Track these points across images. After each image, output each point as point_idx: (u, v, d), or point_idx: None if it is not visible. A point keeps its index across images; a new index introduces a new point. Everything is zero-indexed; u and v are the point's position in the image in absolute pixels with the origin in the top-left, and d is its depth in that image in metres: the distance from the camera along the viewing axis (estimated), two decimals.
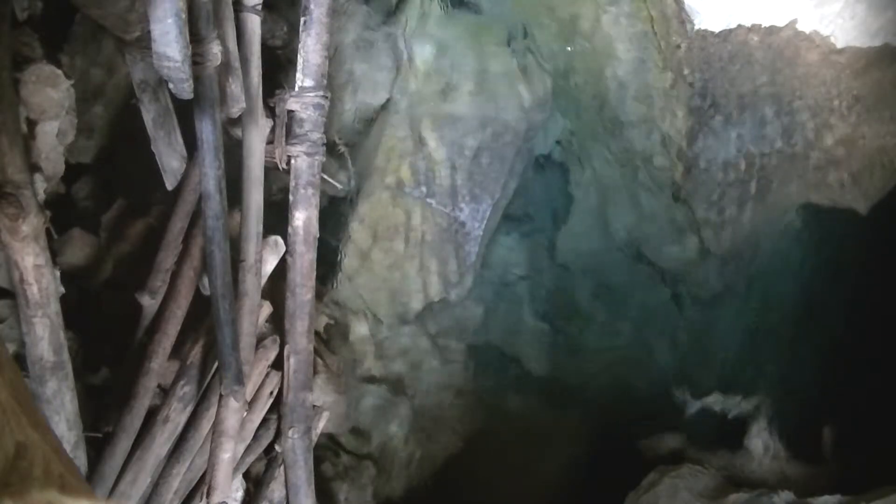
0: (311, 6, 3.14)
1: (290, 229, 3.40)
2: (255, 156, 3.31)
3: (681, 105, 4.62)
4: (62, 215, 3.34)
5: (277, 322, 3.67)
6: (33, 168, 2.82)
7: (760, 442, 4.30)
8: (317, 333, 4.02)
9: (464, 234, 4.83)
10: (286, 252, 3.47)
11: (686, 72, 4.45)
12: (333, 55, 4.28)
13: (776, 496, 3.60)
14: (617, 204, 5.39)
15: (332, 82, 4.34)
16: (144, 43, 2.81)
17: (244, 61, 3.09)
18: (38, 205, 2.58)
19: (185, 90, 2.48)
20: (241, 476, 3.59)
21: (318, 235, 3.45)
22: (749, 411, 4.90)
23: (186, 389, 3.30)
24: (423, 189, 4.70)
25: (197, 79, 2.62)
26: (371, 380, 4.66)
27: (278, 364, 3.61)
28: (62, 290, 2.78)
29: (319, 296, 4.13)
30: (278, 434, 3.66)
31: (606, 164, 5.27)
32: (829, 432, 4.42)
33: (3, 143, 2.46)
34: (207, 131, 2.81)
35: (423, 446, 4.81)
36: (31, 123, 2.89)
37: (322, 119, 3.34)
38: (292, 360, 3.54)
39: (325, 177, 3.55)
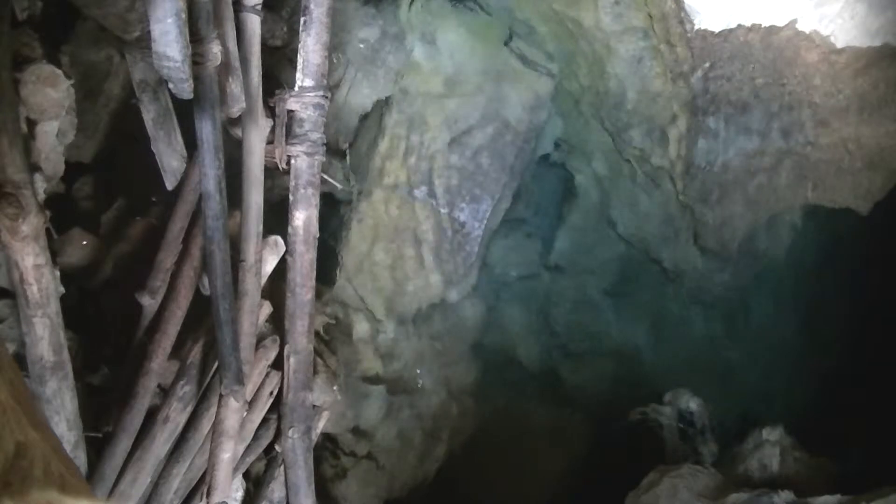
0: (311, 6, 3.14)
1: (290, 229, 3.40)
2: (255, 156, 3.31)
3: (681, 105, 4.62)
4: (62, 215, 3.34)
5: (277, 322, 3.67)
6: (33, 168, 2.82)
7: (761, 441, 4.29)
8: (317, 333, 4.02)
9: (464, 234, 4.83)
10: (286, 252, 3.47)
11: (686, 71, 4.45)
12: (333, 54, 4.28)
13: (776, 496, 3.59)
14: (617, 204, 5.39)
15: (332, 82, 4.34)
16: (144, 43, 2.81)
17: (244, 61, 3.09)
18: (38, 205, 2.58)
19: (185, 90, 2.48)
20: (241, 476, 3.59)
21: (318, 235, 3.45)
22: (750, 410, 4.90)
23: (186, 389, 3.30)
24: (423, 189, 4.70)
25: (197, 79, 2.62)
26: (371, 380, 4.66)
27: (278, 364, 3.61)
28: (62, 290, 2.78)
29: (319, 296, 4.13)
30: (278, 434, 3.66)
31: (606, 164, 5.28)
32: (830, 431, 4.42)
33: (3, 143, 2.46)
34: (207, 131, 2.81)
35: (422, 446, 4.81)
36: (31, 123, 2.89)
37: (322, 119, 3.34)
38: (292, 360, 3.54)
39: (325, 177, 3.55)
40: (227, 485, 3.27)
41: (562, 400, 5.33)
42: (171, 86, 2.49)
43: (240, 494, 3.60)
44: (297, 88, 3.26)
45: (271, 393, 3.63)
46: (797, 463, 4.13)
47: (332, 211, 4.69)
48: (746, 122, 4.61)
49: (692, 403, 4.78)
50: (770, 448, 4.17)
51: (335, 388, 4.06)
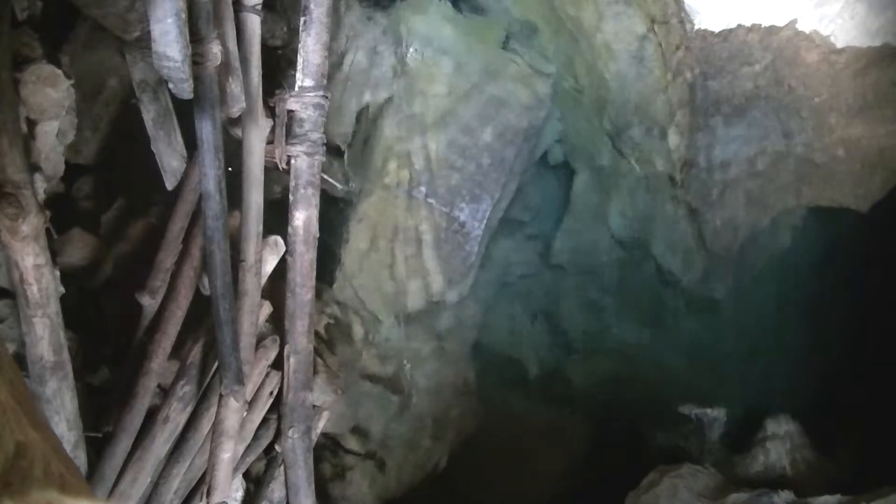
0: (311, 6, 3.14)
1: (290, 229, 3.40)
2: (255, 156, 3.31)
3: (681, 105, 4.62)
4: (62, 215, 3.34)
5: (277, 322, 3.67)
6: (33, 168, 2.82)
7: (766, 436, 4.30)
8: (317, 333, 4.02)
9: (464, 234, 4.83)
10: (286, 252, 3.47)
11: (686, 72, 4.45)
12: (333, 55, 4.28)
13: (776, 496, 3.60)
14: (616, 204, 5.38)
15: (332, 82, 4.34)
16: (144, 43, 2.81)
17: (244, 61, 3.09)
18: (38, 205, 2.58)
19: (185, 90, 2.48)
20: (241, 476, 3.59)
21: (318, 235, 3.45)
22: (750, 411, 4.90)
23: (186, 389, 3.30)
24: (423, 189, 4.70)
25: (197, 79, 2.62)
26: (371, 379, 4.65)
27: (278, 364, 3.61)
28: (62, 290, 2.78)
29: (319, 296, 4.12)
30: (278, 434, 3.66)
31: (606, 164, 5.27)
32: (830, 431, 4.43)
33: (3, 143, 2.46)
34: (207, 131, 2.81)
35: (422, 446, 4.81)
36: (31, 123, 2.89)
37: (322, 119, 3.35)
38: (292, 360, 3.54)
39: (325, 177, 3.55)
40: (227, 485, 3.27)
41: (562, 400, 5.33)
42: (171, 86, 2.49)
43: (240, 494, 3.60)
44: (297, 88, 3.26)
45: (271, 393, 3.63)
46: (798, 462, 4.13)
47: (332, 211, 4.69)
48: (747, 122, 4.61)
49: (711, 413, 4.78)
50: (777, 442, 4.17)
51: (335, 388, 4.06)
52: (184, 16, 2.30)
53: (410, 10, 4.62)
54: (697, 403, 4.90)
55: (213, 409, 3.27)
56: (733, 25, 4.22)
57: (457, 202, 4.78)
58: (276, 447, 3.68)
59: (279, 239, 3.51)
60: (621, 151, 5.08)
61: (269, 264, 3.53)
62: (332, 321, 4.53)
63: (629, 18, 4.45)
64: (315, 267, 3.49)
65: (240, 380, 3.22)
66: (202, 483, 3.29)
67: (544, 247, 5.71)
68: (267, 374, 3.60)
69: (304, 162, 3.31)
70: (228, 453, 3.23)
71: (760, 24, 4.21)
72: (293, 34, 3.97)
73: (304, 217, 3.36)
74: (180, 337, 3.33)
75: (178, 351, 3.35)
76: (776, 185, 4.81)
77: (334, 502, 4.24)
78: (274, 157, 3.33)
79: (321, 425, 3.83)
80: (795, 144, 4.63)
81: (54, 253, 2.84)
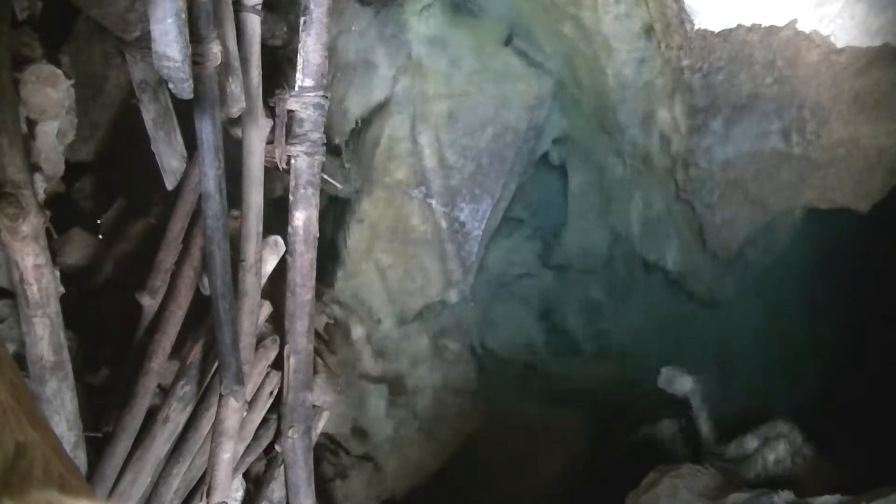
0: (311, 6, 3.14)
1: (290, 229, 3.40)
2: (255, 156, 3.31)
3: (681, 105, 4.62)
4: (62, 215, 3.34)
5: (277, 322, 3.67)
6: (33, 168, 2.83)
7: (768, 438, 4.30)
8: (317, 333, 4.02)
9: (464, 234, 4.83)
10: (286, 252, 3.47)
11: (686, 72, 4.45)
12: (333, 54, 4.28)
13: (776, 496, 3.59)
14: (617, 204, 5.39)
15: (332, 81, 4.34)
16: (144, 43, 2.81)
17: (244, 61, 3.09)
18: (38, 205, 2.58)
19: (185, 90, 2.48)
20: (241, 476, 3.59)
21: (318, 235, 3.45)
22: (751, 411, 4.90)
23: (186, 389, 3.30)
24: (423, 189, 4.70)
25: (197, 79, 2.62)
26: (371, 380, 4.66)
27: (278, 364, 3.61)
28: (62, 290, 2.78)
29: (319, 296, 4.12)
30: (278, 434, 3.66)
31: (606, 164, 5.28)
32: (830, 431, 4.43)
33: (3, 143, 2.46)
34: (207, 131, 2.81)
35: (423, 446, 4.81)
36: (31, 123, 2.89)
37: (322, 119, 3.35)
38: (292, 360, 3.54)
39: (325, 177, 3.55)
40: (227, 485, 3.27)
41: (562, 400, 5.33)
42: (171, 86, 2.49)
43: (240, 494, 3.60)
44: (297, 88, 3.26)
45: (271, 393, 3.63)
46: (798, 462, 4.13)
47: (333, 210, 4.69)
48: (747, 122, 4.60)
49: (687, 384, 4.78)
50: (777, 442, 4.17)
51: (335, 388, 4.06)
52: (184, 16, 2.30)
53: (411, 9, 4.62)
54: (697, 404, 4.89)
55: (213, 409, 3.27)
56: (733, 25, 4.21)
57: (457, 202, 4.78)
58: (276, 447, 3.68)
59: (279, 239, 3.51)
60: (621, 151, 5.08)
61: (269, 264, 3.53)
62: (332, 321, 4.53)
63: (629, 18, 4.45)
64: (315, 267, 3.49)
65: (240, 380, 3.22)
66: (202, 483, 3.29)
67: (544, 246, 5.72)
68: (267, 374, 3.60)
69: (304, 162, 3.31)
70: (228, 453, 3.23)
71: (760, 24, 4.21)
72: (293, 34, 3.97)
73: (304, 217, 3.36)
74: (180, 337, 3.33)
75: (178, 351, 3.35)
76: (776, 185, 4.81)
77: (334, 502, 4.24)
78: (274, 157, 3.33)
79: (321, 425, 3.83)
80: (796, 144, 4.63)
81: (54, 253, 2.84)
